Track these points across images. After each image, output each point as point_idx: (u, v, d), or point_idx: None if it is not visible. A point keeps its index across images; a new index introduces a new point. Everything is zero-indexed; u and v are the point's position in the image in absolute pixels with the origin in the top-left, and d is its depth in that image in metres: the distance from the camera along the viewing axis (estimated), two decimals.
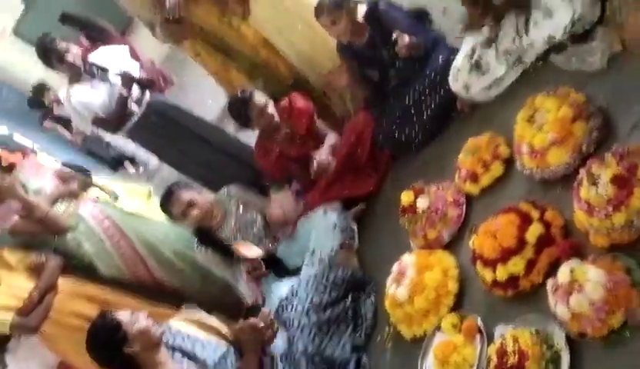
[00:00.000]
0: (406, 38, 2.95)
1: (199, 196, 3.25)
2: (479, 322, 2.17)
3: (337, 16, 3.06)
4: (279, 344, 2.69)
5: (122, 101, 3.88)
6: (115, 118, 3.94)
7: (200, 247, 3.25)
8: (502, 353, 1.92)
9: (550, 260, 2.04)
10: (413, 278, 2.41)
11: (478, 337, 2.15)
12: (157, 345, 2.39)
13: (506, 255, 2.10)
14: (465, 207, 2.57)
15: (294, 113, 3.39)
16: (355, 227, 3.13)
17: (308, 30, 3.54)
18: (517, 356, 1.88)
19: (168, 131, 3.94)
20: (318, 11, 3.14)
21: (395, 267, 2.55)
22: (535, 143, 2.26)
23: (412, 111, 3.05)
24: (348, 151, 3.28)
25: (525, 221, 2.12)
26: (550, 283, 1.92)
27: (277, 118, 3.32)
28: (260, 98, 3.30)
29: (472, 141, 2.62)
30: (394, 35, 2.96)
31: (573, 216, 2.04)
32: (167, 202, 3.21)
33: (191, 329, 2.75)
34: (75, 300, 3.26)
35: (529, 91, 2.47)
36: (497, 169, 2.51)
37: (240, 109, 3.32)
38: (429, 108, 3.02)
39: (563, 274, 1.86)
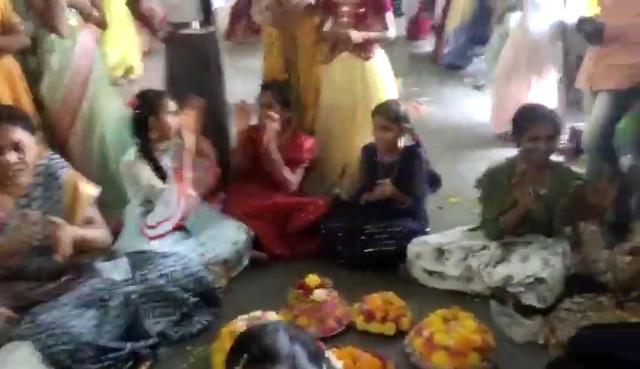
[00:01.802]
0: (387, 191, 3.22)
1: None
2: None
3: (391, 126, 3.29)
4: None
5: None
6: None
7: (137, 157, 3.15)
8: None
9: None
10: None
11: None
12: None
13: None
14: (341, 329, 2.68)
15: (298, 142, 3.56)
16: (247, 261, 3.17)
17: (353, 111, 3.77)
18: None
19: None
20: (379, 110, 3.37)
21: (256, 314, 2.57)
22: (436, 337, 2.42)
23: (362, 238, 3.19)
24: (292, 207, 3.37)
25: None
26: None
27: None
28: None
29: (390, 294, 2.78)
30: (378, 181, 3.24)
31: None
32: (159, 98, 3.17)
33: None
34: None
35: (458, 303, 2.70)
36: (390, 328, 2.65)
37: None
38: (377, 248, 3.17)
39: None
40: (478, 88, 6.60)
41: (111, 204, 3.13)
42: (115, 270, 2.71)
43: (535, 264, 2.77)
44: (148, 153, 3.11)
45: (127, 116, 3.34)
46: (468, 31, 7.30)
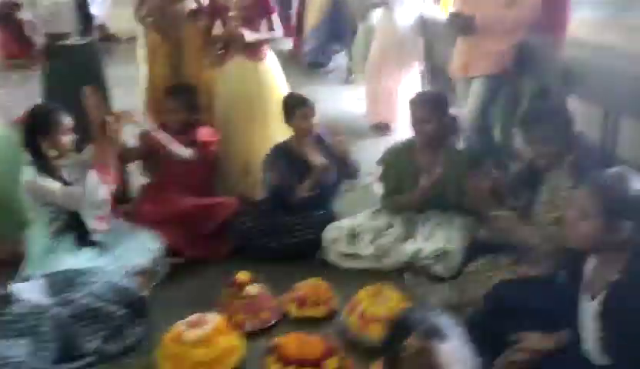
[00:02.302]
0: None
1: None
2: None
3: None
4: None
5: None
6: None
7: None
8: None
9: None
10: (206, 332, 2.48)
11: None
12: None
13: (303, 363, 2.31)
14: (277, 320, 2.79)
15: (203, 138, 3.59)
16: (166, 268, 3.16)
17: (250, 111, 3.87)
18: None
19: None
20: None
21: (195, 316, 2.60)
22: (368, 312, 2.62)
23: (282, 231, 3.33)
24: (206, 209, 3.41)
25: (332, 351, 2.40)
26: None
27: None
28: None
29: (316, 280, 2.94)
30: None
31: None
32: (52, 116, 3.02)
33: None
34: None
35: (375, 280, 2.90)
36: (322, 311, 2.81)
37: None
38: (297, 239, 3.32)
39: None
40: (347, 82, 6.97)
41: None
42: (33, 292, 2.59)
43: (439, 240, 3.11)
44: (47, 170, 2.98)
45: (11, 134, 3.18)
46: (327, 29, 7.65)
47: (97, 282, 2.67)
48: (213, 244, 3.37)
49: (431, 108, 3.19)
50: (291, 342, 2.42)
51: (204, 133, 3.64)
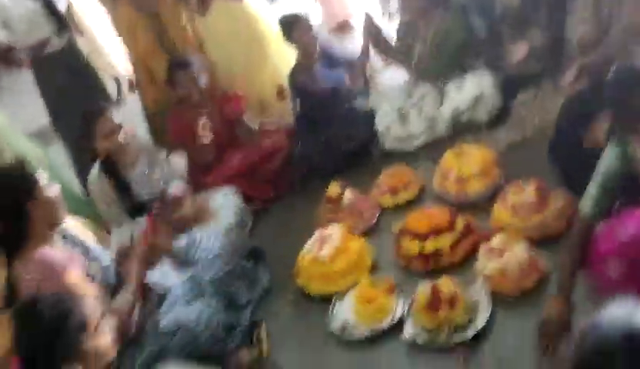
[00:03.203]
0: None
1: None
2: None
3: None
4: (174, 281, 2.64)
5: None
6: None
7: (100, 176, 3.04)
8: (435, 290, 2.24)
9: (471, 244, 2.51)
10: (337, 244, 2.66)
11: (395, 294, 2.44)
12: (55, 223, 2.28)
13: (438, 231, 2.52)
14: (378, 213, 2.99)
15: (231, 99, 3.60)
16: (250, 218, 3.30)
17: (249, 52, 3.90)
18: (448, 295, 2.22)
19: None
20: None
21: (317, 235, 2.77)
22: (462, 172, 2.84)
23: (332, 145, 3.47)
24: (258, 160, 3.50)
25: (453, 213, 2.62)
26: (483, 247, 2.37)
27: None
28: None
29: (397, 167, 3.14)
30: None
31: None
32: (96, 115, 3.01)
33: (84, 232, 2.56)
34: None
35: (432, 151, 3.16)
36: (413, 192, 3.02)
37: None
38: (346, 145, 3.47)
39: (497, 239, 2.34)
40: None
41: None
42: (167, 276, 2.71)
43: (470, 88, 3.31)
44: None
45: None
46: None
47: (211, 247, 2.78)
48: (279, 183, 3.52)
49: None
50: (416, 219, 2.62)
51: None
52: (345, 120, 3.50)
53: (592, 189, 1.89)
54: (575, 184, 2.26)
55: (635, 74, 1.86)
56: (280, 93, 3.91)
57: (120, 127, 3.02)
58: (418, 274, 2.53)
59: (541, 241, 2.40)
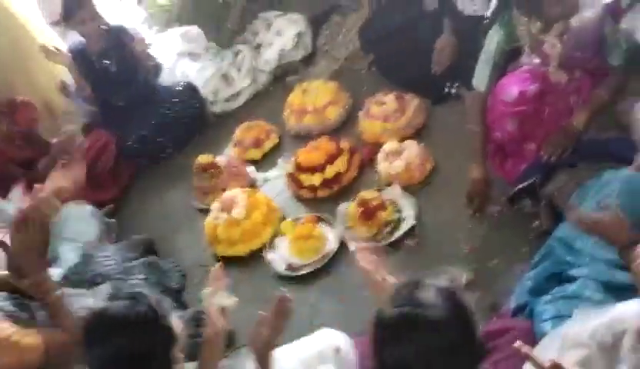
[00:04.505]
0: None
1: None
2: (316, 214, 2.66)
3: None
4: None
5: None
6: None
7: None
8: (362, 202, 2.49)
9: (361, 158, 2.81)
10: (245, 202, 2.70)
11: (319, 224, 2.62)
12: None
13: (331, 159, 2.75)
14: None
15: (18, 107, 3.17)
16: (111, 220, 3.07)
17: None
18: (375, 201, 2.50)
19: None
20: None
21: (217, 203, 2.76)
22: (317, 104, 3.09)
23: (160, 126, 3.38)
24: (87, 166, 3.23)
25: (334, 140, 2.87)
26: (379, 155, 2.68)
27: None
28: None
29: (246, 124, 3.24)
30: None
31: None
32: None
33: None
34: None
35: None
36: (275, 139, 3.18)
37: None
38: (176, 120, 3.42)
39: (390, 144, 2.68)
40: None
41: None
42: None
43: (290, 30, 3.59)
44: None
45: None
46: None
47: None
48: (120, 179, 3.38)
49: None
50: (307, 154, 2.81)
51: None
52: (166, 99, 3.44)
53: (484, 68, 2.27)
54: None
55: None
56: (63, 88, 3.58)
57: None
58: (324, 201, 2.74)
59: (411, 136, 2.82)
